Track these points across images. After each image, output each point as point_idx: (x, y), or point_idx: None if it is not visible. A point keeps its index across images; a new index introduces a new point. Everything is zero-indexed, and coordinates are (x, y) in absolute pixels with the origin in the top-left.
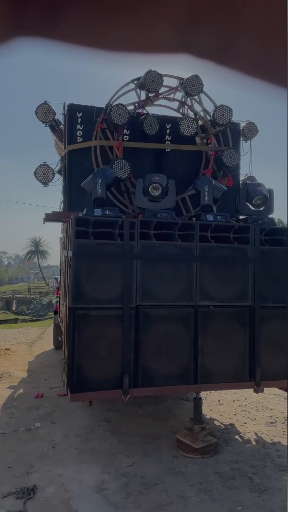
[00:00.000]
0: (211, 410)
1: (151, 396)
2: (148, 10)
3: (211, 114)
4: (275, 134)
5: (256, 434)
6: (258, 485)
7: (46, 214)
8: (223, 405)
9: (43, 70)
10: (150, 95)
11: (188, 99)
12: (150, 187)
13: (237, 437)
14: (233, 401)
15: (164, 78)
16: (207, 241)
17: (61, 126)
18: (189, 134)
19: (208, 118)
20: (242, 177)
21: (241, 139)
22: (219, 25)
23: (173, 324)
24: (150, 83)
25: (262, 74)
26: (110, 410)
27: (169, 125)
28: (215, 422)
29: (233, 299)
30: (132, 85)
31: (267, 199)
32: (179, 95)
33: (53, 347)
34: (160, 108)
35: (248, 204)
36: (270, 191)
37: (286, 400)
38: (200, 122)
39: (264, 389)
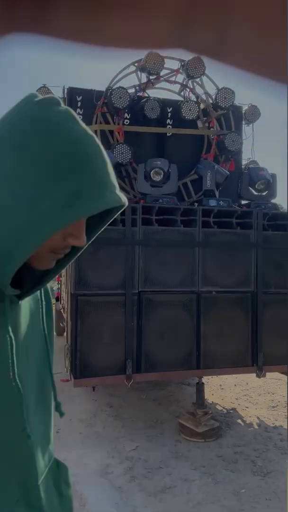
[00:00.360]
0: (213, 394)
1: (154, 381)
2: (142, 3)
3: (213, 97)
4: (277, 119)
5: (258, 418)
6: (261, 468)
7: None
8: (224, 389)
9: (39, 64)
10: (151, 77)
11: (190, 82)
12: (151, 172)
13: (239, 421)
14: (235, 385)
15: (166, 60)
16: (210, 226)
17: None
18: (190, 118)
19: (210, 101)
20: (244, 162)
21: (243, 122)
22: (216, 18)
23: (176, 309)
24: (151, 65)
25: (261, 68)
26: (113, 395)
27: (171, 109)
28: (217, 407)
29: (235, 285)
30: (132, 68)
31: (270, 184)
32: (180, 77)
33: (54, 333)
34: (162, 91)
35: (251, 189)
36: (273, 176)
37: (287, 384)
38: (202, 105)
39: (266, 373)
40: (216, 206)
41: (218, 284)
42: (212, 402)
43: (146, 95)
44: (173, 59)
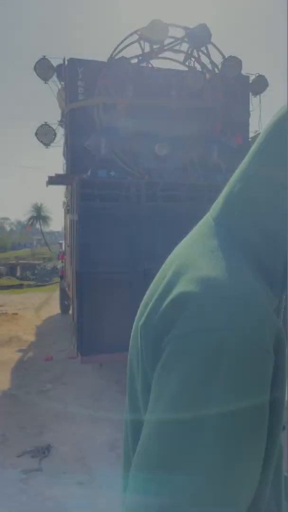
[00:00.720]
0: None
1: None
2: None
3: (219, 66)
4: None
5: None
6: None
7: (49, 177)
8: None
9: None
10: (154, 46)
11: (195, 51)
12: (156, 147)
13: None
14: None
15: (170, 28)
16: None
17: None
18: (196, 89)
19: (216, 71)
20: (251, 135)
21: (250, 93)
22: None
23: None
24: (154, 34)
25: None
26: (120, 371)
27: (175, 80)
28: None
29: None
30: (135, 37)
31: None
32: (185, 46)
33: (59, 311)
34: (165, 61)
35: None
36: None
37: None
38: (207, 76)
39: None
40: (222, 181)
41: None
42: None
43: (149, 65)
44: (177, 26)
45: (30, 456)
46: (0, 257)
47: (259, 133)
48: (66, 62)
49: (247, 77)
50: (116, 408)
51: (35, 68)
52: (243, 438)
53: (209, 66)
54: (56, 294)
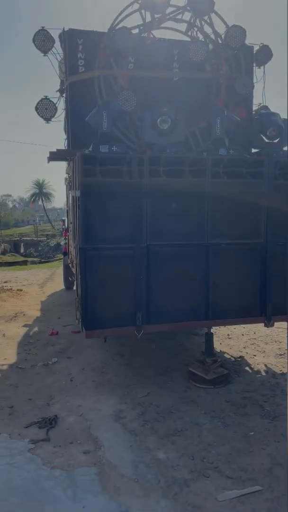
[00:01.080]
0: (220, 344)
1: (163, 332)
2: None
3: (223, 36)
4: None
5: (265, 365)
6: (269, 412)
7: (50, 152)
8: (232, 339)
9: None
10: (156, 16)
11: (198, 20)
12: (158, 120)
13: (247, 368)
14: (242, 335)
15: None
16: (219, 176)
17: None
18: (199, 59)
19: (219, 41)
20: (255, 107)
21: (254, 64)
22: None
23: (185, 262)
24: (156, 3)
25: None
26: (124, 345)
27: (177, 50)
28: (225, 355)
29: (245, 236)
30: (136, 6)
31: (282, 130)
32: (187, 15)
33: (63, 287)
34: (167, 31)
35: (262, 136)
36: (286, 122)
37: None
38: (210, 46)
39: (274, 323)
40: (226, 155)
41: (227, 236)
42: (220, 350)
43: (151, 36)
44: None
45: (37, 427)
46: (4, 234)
47: (263, 106)
48: (65, 34)
49: (251, 47)
50: (121, 381)
51: (33, 40)
52: None
53: (212, 36)
54: (60, 270)
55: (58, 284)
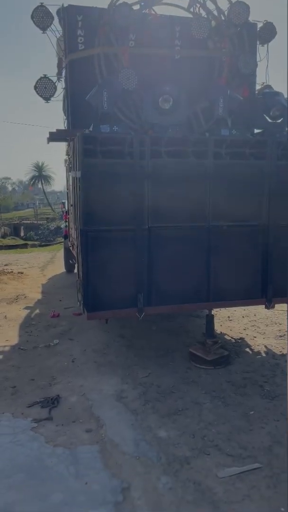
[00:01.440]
0: (221, 325)
1: (164, 314)
2: None
3: (226, 13)
4: None
5: (265, 346)
6: (269, 392)
7: (50, 133)
8: (233, 321)
9: None
10: None
11: None
12: (159, 100)
13: (247, 349)
14: (243, 317)
15: None
16: (222, 157)
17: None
18: (201, 37)
19: (222, 18)
20: (258, 86)
21: (258, 42)
22: None
23: (186, 244)
24: None
25: None
26: (125, 327)
27: (179, 27)
28: (226, 337)
29: (247, 218)
30: None
31: (285, 110)
32: None
33: (64, 270)
34: (169, 8)
35: (265, 116)
36: None
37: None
38: (213, 23)
39: (275, 305)
40: (228, 136)
41: (229, 217)
42: (221, 332)
43: (152, 12)
44: None
45: (40, 406)
46: (3, 217)
47: (266, 85)
48: (64, 10)
49: (255, 25)
50: (122, 362)
51: (32, 17)
52: None
53: (215, 13)
54: (60, 253)
55: (58, 267)
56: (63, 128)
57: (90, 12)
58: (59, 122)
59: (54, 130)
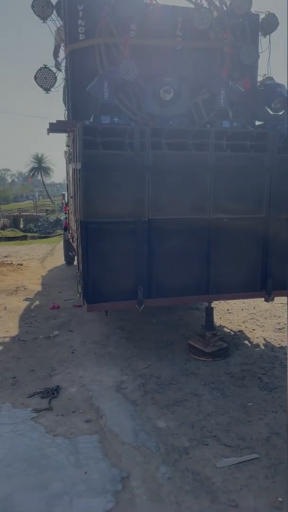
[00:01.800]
0: (220, 318)
1: (163, 306)
2: None
3: (227, 3)
4: None
5: (264, 339)
6: (267, 384)
7: (50, 123)
8: (232, 313)
9: None
10: None
11: None
12: (161, 91)
13: (246, 342)
14: (242, 310)
15: None
16: (223, 150)
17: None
18: (203, 27)
19: (224, 8)
20: (260, 78)
21: (260, 33)
22: None
23: (186, 236)
24: None
25: None
26: (124, 319)
27: (181, 18)
28: (225, 329)
29: (247, 211)
30: None
31: (287, 102)
32: None
33: (64, 262)
34: None
35: (267, 108)
36: None
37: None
38: (215, 13)
39: (274, 298)
40: (229, 128)
41: (229, 210)
42: (220, 325)
43: (153, 2)
44: None
45: (40, 396)
46: (3, 209)
47: (268, 77)
48: None
49: (257, 16)
50: (122, 353)
51: (32, 6)
52: None
53: (217, 3)
54: (60, 245)
55: (58, 259)
56: (63, 119)
57: (91, 1)
58: (59, 113)
59: (54, 121)
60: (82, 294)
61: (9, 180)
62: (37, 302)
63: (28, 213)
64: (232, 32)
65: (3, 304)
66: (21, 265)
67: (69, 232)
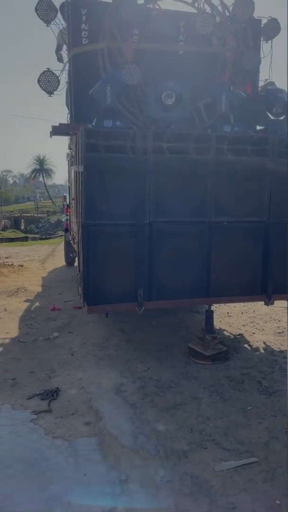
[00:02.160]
0: (220, 321)
1: (164, 309)
2: None
3: (230, 8)
4: None
5: (264, 343)
6: (267, 388)
7: (53, 126)
8: (232, 317)
9: None
10: None
11: None
12: (163, 95)
13: (246, 345)
14: (242, 313)
15: None
16: (224, 154)
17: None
18: (205, 32)
19: (227, 13)
20: (261, 83)
21: (262, 38)
22: None
23: (187, 239)
24: None
25: None
26: (124, 321)
27: (183, 23)
28: (225, 332)
29: (248, 215)
30: None
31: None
32: None
33: (64, 263)
34: (174, 3)
35: (268, 113)
36: None
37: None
38: (217, 19)
39: (274, 302)
40: (230, 132)
41: (230, 214)
42: (220, 328)
43: (157, 7)
44: None
45: (39, 398)
46: (4, 210)
47: (269, 82)
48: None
49: (259, 21)
50: (122, 356)
51: (36, 9)
52: None
53: (220, 8)
54: (61, 247)
55: (59, 260)
56: (66, 122)
57: (94, 6)
58: (61, 115)
59: (57, 124)
60: (82, 295)
61: (11, 181)
62: (37, 304)
63: (29, 215)
64: (234, 37)
65: (4, 305)
66: (22, 266)
67: (70, 234)
